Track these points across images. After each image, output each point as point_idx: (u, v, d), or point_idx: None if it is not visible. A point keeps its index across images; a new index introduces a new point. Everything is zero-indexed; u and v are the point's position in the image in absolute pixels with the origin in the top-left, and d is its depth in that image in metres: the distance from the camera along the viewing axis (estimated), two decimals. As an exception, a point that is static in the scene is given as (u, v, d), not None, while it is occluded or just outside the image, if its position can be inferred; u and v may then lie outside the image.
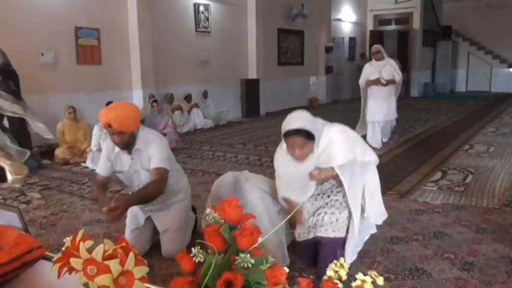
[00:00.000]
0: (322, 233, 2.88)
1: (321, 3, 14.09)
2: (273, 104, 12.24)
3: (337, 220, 2.86)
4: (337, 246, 2.88)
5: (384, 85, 6.94)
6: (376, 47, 7.15)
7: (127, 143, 2.96)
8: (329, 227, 2.86)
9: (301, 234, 2.94)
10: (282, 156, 2.83)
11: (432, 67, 18.44)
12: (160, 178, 2.95)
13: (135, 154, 3.04)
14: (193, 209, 3.75)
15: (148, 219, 3.36)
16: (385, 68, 6.96)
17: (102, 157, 3.16)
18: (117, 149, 3.06)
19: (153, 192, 2.96)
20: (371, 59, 7.33)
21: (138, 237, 3.32)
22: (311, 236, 2.94)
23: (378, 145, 7.07)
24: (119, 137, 2.91)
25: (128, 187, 3.30)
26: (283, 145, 2.77)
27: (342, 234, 2.87)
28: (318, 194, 2.94)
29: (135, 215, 3.40)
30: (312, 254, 3.03)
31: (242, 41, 11.64)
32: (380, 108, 7.00)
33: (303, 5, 13.10)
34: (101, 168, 3.16)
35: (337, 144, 2.70)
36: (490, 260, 3.12)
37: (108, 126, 2.83)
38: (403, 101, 10.74)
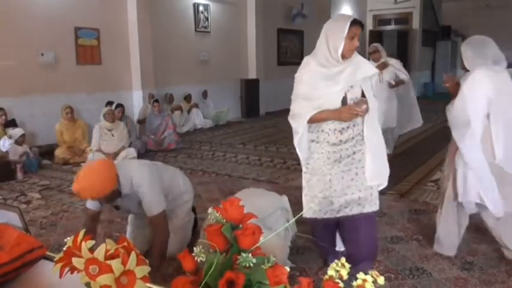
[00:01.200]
0: (358, 210, 2.79)
1: (321, 3, 14.10)
2: (273, 104, 12.24)
3: (371, 194, 2.80)
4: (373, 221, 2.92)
5: (392, 86, 5.93)
6: (374, 45, 6.16)
7: (112, 199, 2.94)
8: (366, 203, 2.79)
9: (329, 212, 2.80)
10: (312, 65, 2.77)
11: (432, 67, 18.45)
12: (160, 226, 3.04)
13: (125, 199, 3.01)
14: (193, 209, 3.75)
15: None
16: (385, 70, 5.90)
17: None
18: None
19: (163, 241, 3.09)
20: (369, 59, 6.65)
21: (138, 236, 3.32)
22: (340, 215, 2.81)
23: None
24: (102, 200, 2.91)
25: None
26: (317, 52, 2.73)
27: (377, 207, 2.86)
28: (340, 159, 2.75)
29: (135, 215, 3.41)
30: (334, 233, 3.05)
31: (242, 41, 11.64)
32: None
33: (303, 5, 13.11)
34: (91, 204, 3.09)
35: (365, 61, 2.82)
36: (490, 259, 3.13)
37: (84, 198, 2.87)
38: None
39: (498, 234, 3.08)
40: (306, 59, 2.84)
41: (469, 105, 2.89)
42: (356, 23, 2.62)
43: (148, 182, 2.98)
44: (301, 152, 2.81)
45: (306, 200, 2.88)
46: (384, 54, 6.03)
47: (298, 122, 2.72)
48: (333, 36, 2.61)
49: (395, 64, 6.00)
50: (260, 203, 2.98)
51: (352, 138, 2.74)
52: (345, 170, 2.75)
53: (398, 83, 5.98)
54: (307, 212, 2.82)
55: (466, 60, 3.08)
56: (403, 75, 5.98)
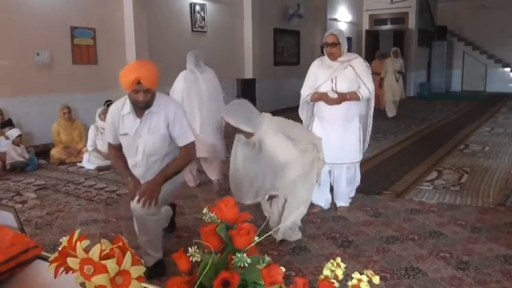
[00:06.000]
0: None
1: (317, 3, 14.09)
2: (269, 104, 12.19)
3: None
4: None
5: (336, 102, 3.88)
6: (333, 32, 3.97)
7: (150, 102, 2.87)
8: None
9: None
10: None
11: (428, 67, 18.49)
12: (190, 154, 3.03)
13: (147, 117, 2.92)
14: (173, 206, 3.73)
15: None
16: (343, 72, 3.89)
17: (108, 126, 3.08)
18: (124, 110, 2.94)
19: (184, 166, 3.05)
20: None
21: None
22: None
23: (326, 205, 4.22)
24: (145, 95, 2.80)
25: (128, 156, 3.11)
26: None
27: None
28: None
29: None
30: None
31: (238, 41, 11.63)
32: (332, 142, 3.86)
33: (299, 5, 13.11)
34: (111, 137, 3.09)
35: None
36: (485, 259, 3.14)
37: (137, 83, 2.72)
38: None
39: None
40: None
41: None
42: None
43: (183, 113, 3.06)
44: None
45: None
46: (346, 49, 3.95)
47: None
48: None
49: (357, 66, 3.92)
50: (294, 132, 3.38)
51: None
52: None
53: (343, 96, 3.88)
54: None
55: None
56: (364, 87, 3.89)
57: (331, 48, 3.89)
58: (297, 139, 3.29)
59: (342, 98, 3.87)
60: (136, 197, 2.86)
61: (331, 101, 3.89)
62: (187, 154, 3.01)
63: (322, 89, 3.94)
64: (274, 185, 3.27)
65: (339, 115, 3.92)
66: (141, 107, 2.88)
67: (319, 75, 3.99)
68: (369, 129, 4.25)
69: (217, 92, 5.03)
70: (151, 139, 2.95)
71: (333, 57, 3.92)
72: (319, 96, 3.95)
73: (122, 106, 2.99)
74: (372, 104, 4.16)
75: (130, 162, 3.07)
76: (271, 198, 3.37)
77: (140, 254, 2.90)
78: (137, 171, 3.05)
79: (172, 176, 2.98)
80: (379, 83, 10.55)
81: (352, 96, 3.88)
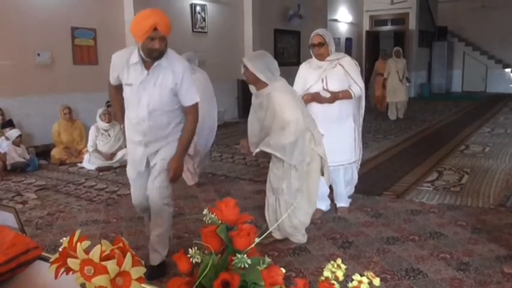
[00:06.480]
0: None
1: (317, 3, 14.09)
2: (270, 105, 12.22)
3: None
4: None
5: (329, 101, 3.84)
6: (318, 32, 3.92)
7: (163, 52, 2.79)
8: None
9: None
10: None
11: (428, 67, 18.48)
12: (194, 117, 3.00)
13: (155, 69, 2.83)
14: None
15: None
16: (332, 71, 3.87)
17: (111, 72, 3.03)
18: (132, 60, 2.85)
19: (193, 131, 3.03)
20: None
21: (140, 187, 3.10)
22: None
23: (326, 208, 4.20)
24: (161, 43, 2.73)
25: (129, 108, 3.00)
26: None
27: None
28: None
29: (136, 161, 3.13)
30: None
31: (238, 42, 11.64)
32: (327, 143, 3.48)
33: (299, 6, 13.11)
34: (112, 79, 3.06)
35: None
36: (486, 260, 3.14)
37: (154, 29, 2.70)
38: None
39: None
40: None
41: None
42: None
43: (190, 73, 2.99)
44: None
45: None
46: (333, 48, 3.92)
47: None
48: None
49: (346, 64, 3.90)
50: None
51: None
52: None
53: (335, 95, 3.84)
54: None
55: None
56: (355, 85, 3.88)
57: (319, 49, 3.86)
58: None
59: (334, 96, 3.83)
60: (151, 188, 3.00)
61: (324, 100, 3.84)
62: (192, 117, 2.99)
63: (313, 90, 3.90)
64: (268, 142, 3.22)
65: (332, 115, 3.87)
66: (154, 57, 2.79)
67: (309, 77, 3.94)
68: (360, 129, 4.18)
69: (207, 92, 5.23)
70: (158, 93, 2.85)
71: (321, 57, 3.89)
72: (311, 97, 3.88)
73: (129, 55, 2.89)
74: (363, 104, 4.12)
75: (134, 118, 2.96)
76: (259, 153, 3.32)
77: (141, 255, 2.90)
78: (141, 127, 2.94)
79: (188, 147, 3.06)
80: (382, 84, 10.53)
81: (345, 95, 3.85)
